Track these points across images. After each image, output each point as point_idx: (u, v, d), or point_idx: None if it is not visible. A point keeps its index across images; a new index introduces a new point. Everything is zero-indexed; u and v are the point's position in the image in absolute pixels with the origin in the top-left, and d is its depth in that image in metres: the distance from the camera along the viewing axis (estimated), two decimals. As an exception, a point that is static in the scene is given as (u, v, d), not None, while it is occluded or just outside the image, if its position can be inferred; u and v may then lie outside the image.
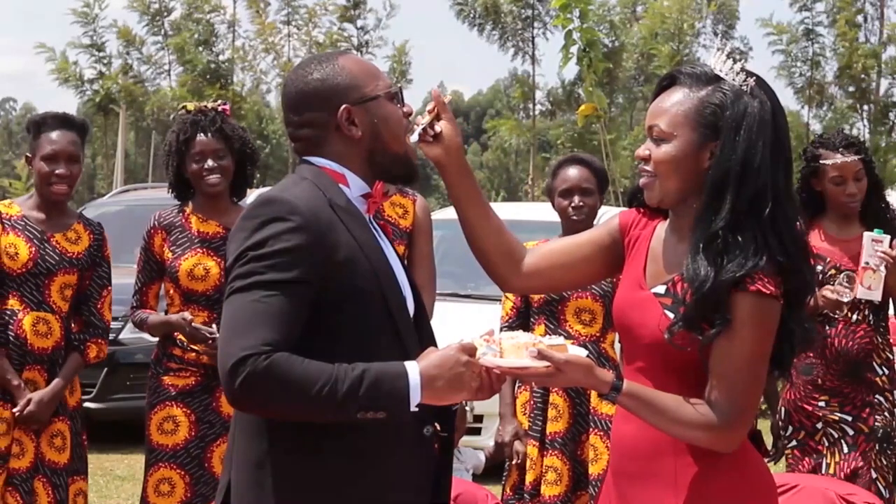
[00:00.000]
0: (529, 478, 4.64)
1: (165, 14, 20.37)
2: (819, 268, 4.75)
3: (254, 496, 2.47)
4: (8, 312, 4.44)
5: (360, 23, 20.02)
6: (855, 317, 4.77)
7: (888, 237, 4.68)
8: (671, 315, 2.58)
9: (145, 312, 4.66)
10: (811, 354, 4.81)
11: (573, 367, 2.48)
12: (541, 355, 2.45)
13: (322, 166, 2.58)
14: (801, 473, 4.76)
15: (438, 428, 2.57)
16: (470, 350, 2.42)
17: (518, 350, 2.46)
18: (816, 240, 4.83)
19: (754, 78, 2.63)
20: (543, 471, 4.60)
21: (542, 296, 4.66)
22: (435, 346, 2.56)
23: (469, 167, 2.79)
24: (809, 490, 4.15)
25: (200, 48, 19.93)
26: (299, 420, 2.40)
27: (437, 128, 2.70)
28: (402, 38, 29.30)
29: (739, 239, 2.52)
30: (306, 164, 2.60)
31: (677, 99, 2.63)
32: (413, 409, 2.37)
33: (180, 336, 4.53)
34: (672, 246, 2.68)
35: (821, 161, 4.82)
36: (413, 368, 2.38)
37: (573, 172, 4.73)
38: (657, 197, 2.65)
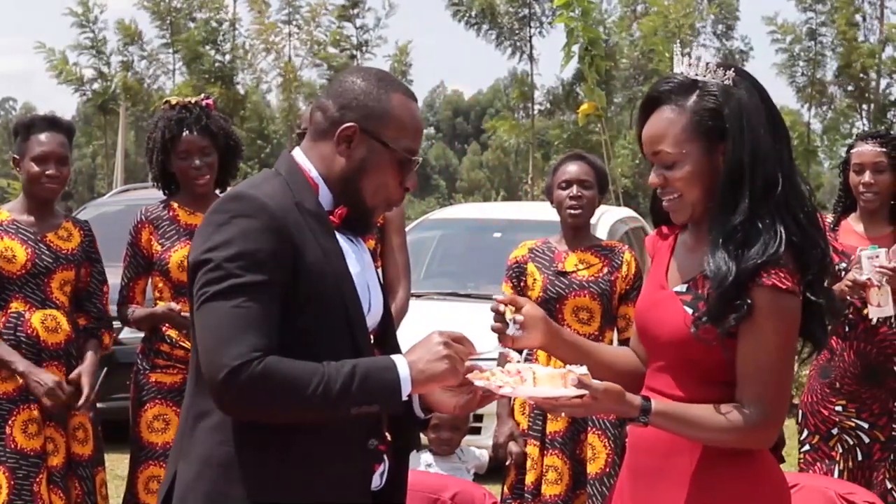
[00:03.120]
0: (530, 478, 4.64)
1: (176, 14, 20.34)
2: (843, 265, 4.68)
3: (203, 492, 2.44)
4: (15, 315, 4.47)
5: (359, 22, 20.02)
6: (875, 319, 4.64)
7: (883, 251, 4.55)
8: (690, 311, 2.59)
9: (130, 307, 4.64)
10: (830, 357, 4.73)
11: (607, 395, 2.47)
12: (581, 384, 2.43)
13: (301, 166, 2.54)
14: (802, 473, 4.73)
15: (389, 438, 2.57)
16: (450, 335, 2.43)
17: (553, 380, 2.45)
18: (844, 236, 4.76)
19: (732, 69, 2.63)
20: (544, 470, 4.60)
21: (540, 294, 4.66)
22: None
23: (560, 330, 2.75)
24: (809, 489, 4.14)
25: (207, 47, 19.92)
26: (293, 421, 2.39)
27: (520, 317, 2.64)
28: (402, 38, 29.27)
29: (759, 225, 2.52)
30: (290, 157, 2.56)
31: (670, 117, 2.61)
32: (405, 398, 2.38)
33: (169, 332, 4.53)
34: (692, 247, 2.69)
35: (850, 151, 4.77)
36: (399, 359, 2.40)
37: (573, 167, 4.73)
38: (686, 214, 2.65)
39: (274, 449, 2.41)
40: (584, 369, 2.48)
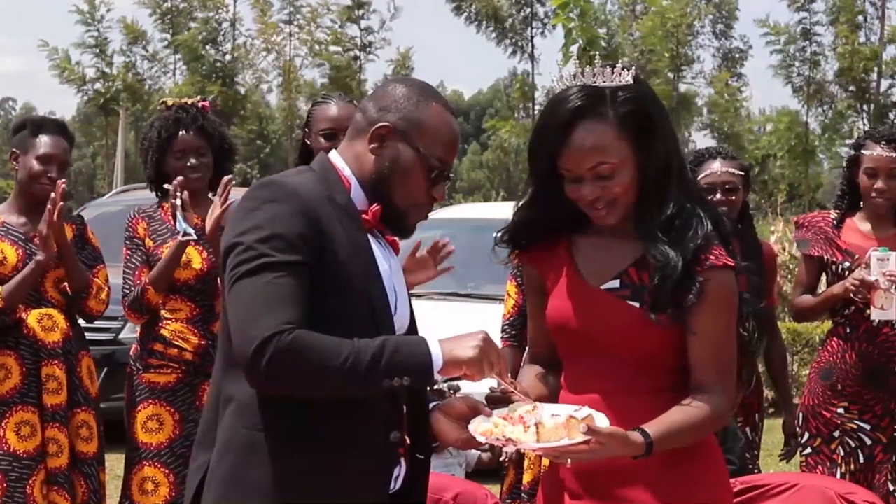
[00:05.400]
0: (527, 478, 4.63)
1: (176, 13, 20.38)
2: (846, 264, 4.67)
3: (224, 474, 2.47)
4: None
5: (363, 24, 20.05)
6: (877, 321, 4.59)
7: (894, 254, 4.50)
8: (636, 304, 2.61)
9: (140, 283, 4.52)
10: (831, 359, 4.72)
11: (613, 439, 2.46)
12: (590, 431, 2.41)
13: (335, 164, 2.58)
14: (802, 473, 4.72)
15: (408, 441, 2.57)
16: (495, 344, 2.47)
17: (557, 430, 2.44)
18: (848, 235, 4.75)
19: (632, 68, 2.66)
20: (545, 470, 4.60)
21: (549, 294, 4.65)
22: None
23: (534, 390, 2.74)
24: (809, 489, 4.14)
25: (207, 46, 19.95)
26: (324, 395, 2.40)
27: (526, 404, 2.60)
28: (403, 38, 29.28)
29: (688, 210, 2.60)
30: (324, 157, 2.60)
31: (598, 129, 2.59)
32: (437, 373, 2.39)
33: (163, 331, 4.51)
34: (616, 242, 2.69)
35: (861, 151, 4.73)
36: (430, 337, 2.42)
37: None
38: (617, 216, 2.65)
39: (295, 433, 2.43)
40: (585, 411, 2.47)
